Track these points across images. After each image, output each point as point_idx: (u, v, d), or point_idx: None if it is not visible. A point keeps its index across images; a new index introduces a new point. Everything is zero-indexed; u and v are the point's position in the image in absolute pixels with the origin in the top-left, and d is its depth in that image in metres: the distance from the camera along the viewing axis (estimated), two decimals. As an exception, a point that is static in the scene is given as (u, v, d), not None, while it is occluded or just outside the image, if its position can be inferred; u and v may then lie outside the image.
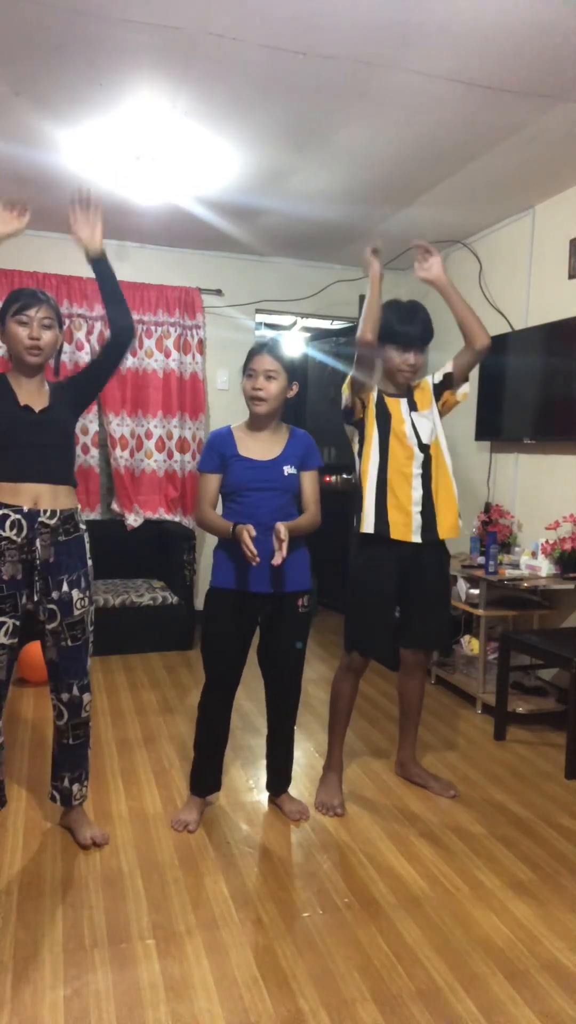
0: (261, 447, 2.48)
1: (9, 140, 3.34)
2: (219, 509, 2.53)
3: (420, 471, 2.64)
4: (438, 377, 2.75)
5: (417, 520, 2.64)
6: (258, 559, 2.26)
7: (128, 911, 2.11)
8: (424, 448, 2.66)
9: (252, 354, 2.45)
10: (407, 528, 2.63)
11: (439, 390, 2.73)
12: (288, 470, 2.46)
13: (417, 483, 2.64)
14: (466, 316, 2.63)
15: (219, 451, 2.47)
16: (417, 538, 2.64)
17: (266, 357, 2.41)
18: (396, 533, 2.63)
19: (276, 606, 2.49)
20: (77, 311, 4.72)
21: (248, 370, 2.45)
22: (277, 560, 2.27)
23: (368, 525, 2.63)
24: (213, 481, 2.48)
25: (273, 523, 2.37)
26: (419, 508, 2.64)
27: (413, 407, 2.69)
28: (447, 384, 2.73)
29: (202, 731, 2.61)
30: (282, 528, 2.30)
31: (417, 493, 2.64)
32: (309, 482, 2.52)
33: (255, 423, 2.50)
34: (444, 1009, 1.78)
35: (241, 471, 2.44)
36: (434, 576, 2.73)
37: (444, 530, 2.68)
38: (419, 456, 2.64)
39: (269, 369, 2.40)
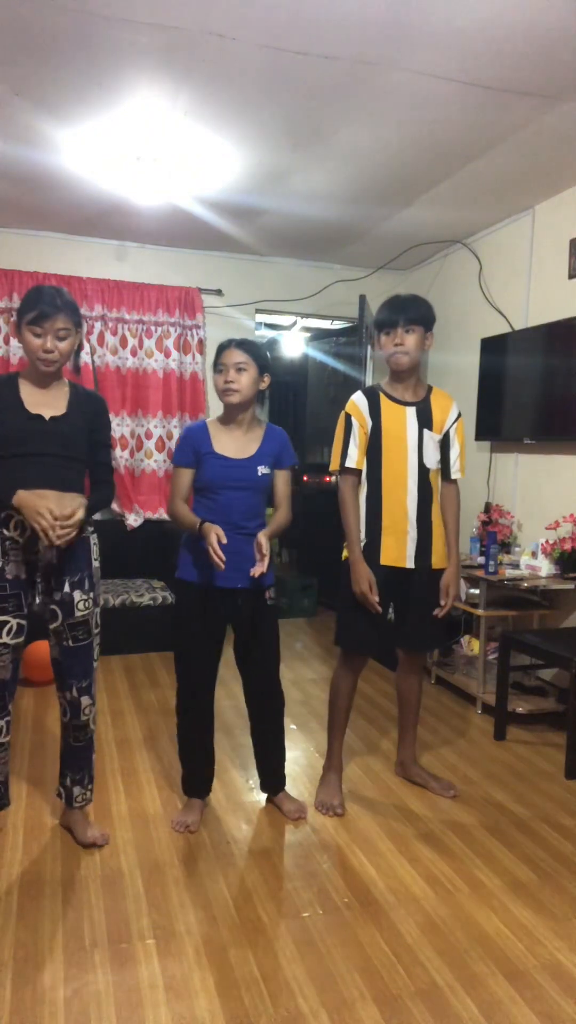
0: (236, 444, 2.48)
1: (9, 140, 3.34)
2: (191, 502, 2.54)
3: (417, 490, 2.59)
4: (451, 424, 2.65)
5: (412, 546, 2.60)
6: (223, 565, 2.27)
7: (128, 911, 2.11)
8: (424, 470, 2.60)
9: (221, 349, 2.48)
10: (400, 553, 2.59)
11: (448, 434, 2.65)
12: (262, 470, 2.47)
13: (413, 503, 2.58)
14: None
15: (194, 446, 2.48)
16: (410, 564, 2.61)
17: (234, 351, 2.44)
18: (387, 559, 2.59)
19: (243, 600, 2.50)
20: (77, 311, 4.72)
21: (218, 365, 2.47)
22: (256, 572, 2.31)
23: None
24: (186, 476, 2.50)
25: (245, 522, 2.43)
26: (415, 532, 2.60)
27: (427, 423, 2.61)
28: (444, 447, 2.66)
29: (182, 734, 2.61)
30: (264, 542, 2.33)
31: (412, 513, 2.59)
32: (282, 481, 2.54)
33: (229, 416, 2.51)
34: (444, 1009, 1.78)
35: (215, 468, 2.45)
36: (426, 583, 2.68)
37: (438, 558, 2.66)
38: (417, 474, 2.59)
39: (239, 362, 2.43)
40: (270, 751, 2.69)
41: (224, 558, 2.27)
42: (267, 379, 2.50)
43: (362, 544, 2.61)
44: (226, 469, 2.44)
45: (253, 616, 2.53)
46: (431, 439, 2.62)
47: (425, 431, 2.61)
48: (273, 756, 2.70)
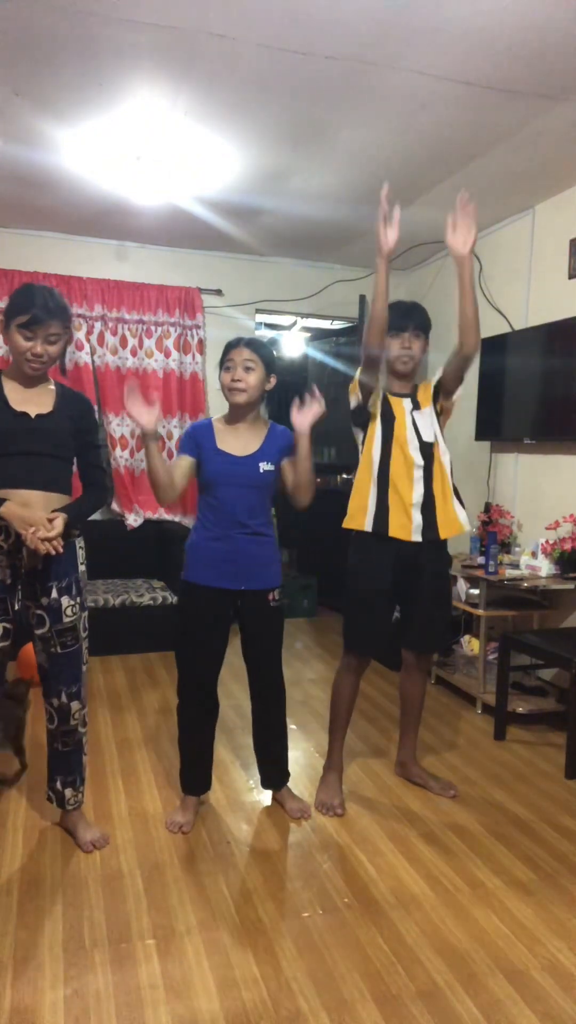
0: (238, 442, 2.48)
1: (9, 140, 3.34)
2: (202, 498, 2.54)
3: (422, 471, 2.64)
4: (434, 380, 2.74)
5: (417, 519, 2.63)
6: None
7: (128, 911, 2.11)
8: (426, 447, 2.65)
9: (229, 347, 2.47)
10: (406, 529, 2.62)
11: (436, 392, 2.73)
12: (264, 467, 2.47)
13: (419, 483, 2.63)
14: (469, 311, 2.54)
15: (197, 440, 2.48)
16: (417, 537, 2.64)
17: (243, 349, 2.44)
18: (395, 531, 2.63)
19: (247, 602, 2.51)
20: (77, 311, 4.72)
21: (226, 362, 2.46)
22: (310, 415, 2.42)
23: (368, 523, 2.63)
24: (183, 460, 2.47)
25: (248, 520, 2.43)
26: (420, 507, 2.64)
27: (416, 406, 2.69)
28: (440, 390, 2.72)
29: (182, 729, 2.61)
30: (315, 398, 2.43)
31: (418, 493, 2.63)
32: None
33: (234, 415, 2.51)
34: (444, 1009, 1.78)
35: (217, 465, 2.45)
36: (433, 577, 2.72)
37: (445, 529, 2.68)
38: (421, 455, 2.64)
39: (247, 359, 2.43)
40: (271, 743, 2.69)
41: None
42: (273, 380, 2.50)
43: (372, 515, 2.62)
44: (228, 466, 2.44)
45: (257, 616, 2.53)
46: (422, 415, 2.67)
47: (416, 412, 2.68)
48: (274, 747, 2.70)
